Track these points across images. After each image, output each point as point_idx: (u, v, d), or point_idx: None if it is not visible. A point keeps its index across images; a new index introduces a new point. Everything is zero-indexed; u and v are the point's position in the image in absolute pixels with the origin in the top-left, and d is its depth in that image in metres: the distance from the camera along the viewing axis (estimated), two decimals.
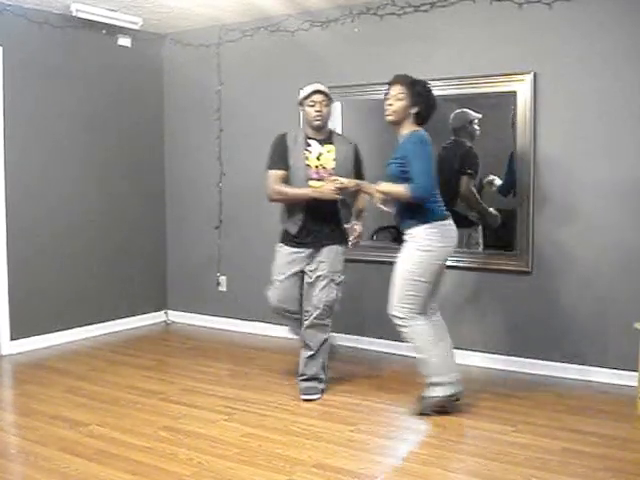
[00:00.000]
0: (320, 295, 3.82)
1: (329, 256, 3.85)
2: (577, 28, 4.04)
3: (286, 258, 3.89)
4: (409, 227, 3.54)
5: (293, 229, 3.85)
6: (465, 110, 4.48)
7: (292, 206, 3.85)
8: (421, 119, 3.55)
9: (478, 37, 4.35)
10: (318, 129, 3.85)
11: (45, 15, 4.87)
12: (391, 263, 4.72)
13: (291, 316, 3.98)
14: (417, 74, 4.37)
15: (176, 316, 5.91)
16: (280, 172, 3.82)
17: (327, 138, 3.89)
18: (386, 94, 3.57)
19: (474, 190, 4.50)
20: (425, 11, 4.52)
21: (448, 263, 4.61)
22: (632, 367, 3.79)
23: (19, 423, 3.54)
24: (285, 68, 5.12)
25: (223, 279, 5.62)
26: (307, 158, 3.82)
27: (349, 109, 5.01)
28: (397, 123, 3.54)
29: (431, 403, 3.54)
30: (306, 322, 3.86)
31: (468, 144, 4.53)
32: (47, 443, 3.19)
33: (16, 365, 4.57)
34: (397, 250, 4.71)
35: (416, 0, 4.54)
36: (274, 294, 3.93)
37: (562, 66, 4.10)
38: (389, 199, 3.54)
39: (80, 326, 5.22)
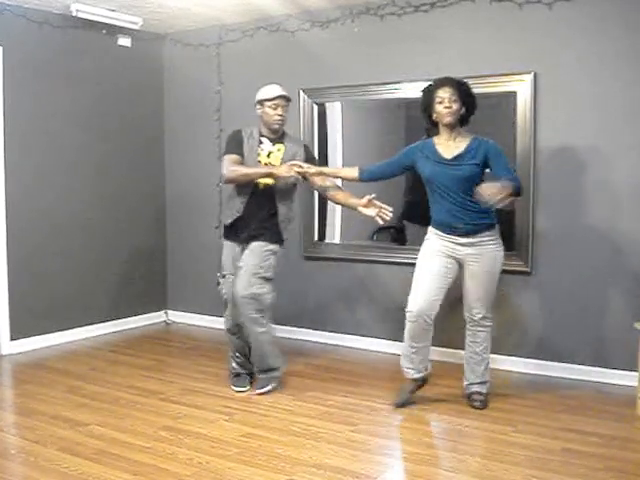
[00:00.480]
0: (240, 287, 3.78)
1: (254, 249, 3.86)
2: (577, 28, 4.04)
3: (231, 254, 3.96)
4: (488, 228, 3.59)
5: (228, 220, 3.95)
6: None
7: (235, 197, 3.93)
8: (465, 121, 3.62)
9: (478, 37, 4.35)
10: (275, 132, 3.93)
11: (45, 15, 4.87)
12: (390, 263, 4.76)
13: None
14: (417, 74, 4.40)
15: (176, 316, 5.91)
16: (236, 156, 3.88)
17: (279, 138, 3.97)
18: (429, 97, 3.56)
19: None
20: (425, 11, 4.52)
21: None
22: (632, 367, 3.79)
23: (19, 423, 3.54)
24: (285, 68, 5.12)
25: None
26: (259, 154, 3.91)
27: (349, 109, 5.02)
28: (454, 126, 3.56)
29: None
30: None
31: None
32: (47, 443, 3.19)
33: (16, 365, 4.57)
34: (397, 250, 4.76)
35: (416, 0, 4.54)
36: (229, 288, 3.94)
37: (562, 66, 4.10)
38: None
39: (80, 326, 5.23)
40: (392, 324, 4.67)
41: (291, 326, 5.17)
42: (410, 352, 3.69)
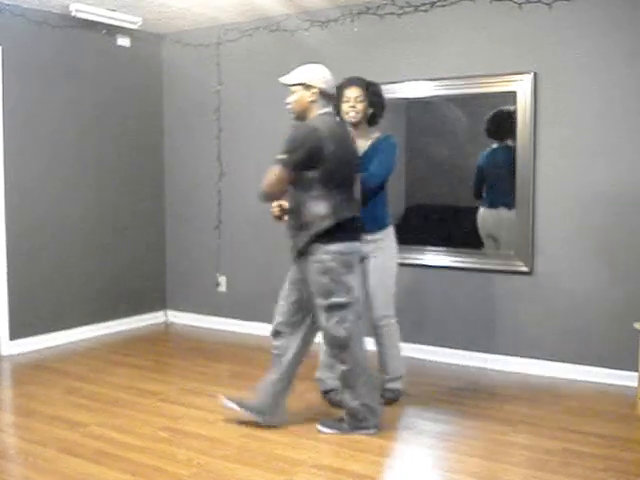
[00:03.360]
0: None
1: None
2: (577, 28, 4.04)
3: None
4: (382, 228, 3.67)
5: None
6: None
7: None
8: (372, 121, 3.68)
9: (478, 37, 4.35)
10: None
11: (44, 15, 4.87)
12: None
13: None
14: (417, 74, 4.40)
15: (176, 316, 5.91)
16: None
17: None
18: (338, 97, 3.54)
19: None
20: (425, 11, 4.52)
21: (445, 263, 4.64)
22: (632, 367, 3.79)
23: (19, 423, 3.54)
24: (285, 68, 5.09)
25: (223, 279, 5.62)
26: None
27: None
28: (358, 124, 3.60)
29: None
30: None
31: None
32: (46, 444, 3.18)
33: (16, 365, 4.56)
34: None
35: (416, 0, 4.54)
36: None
37: (562, 66, 4.10)
38: None
39: (80, 326, 5.22)
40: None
41: None
42: None
